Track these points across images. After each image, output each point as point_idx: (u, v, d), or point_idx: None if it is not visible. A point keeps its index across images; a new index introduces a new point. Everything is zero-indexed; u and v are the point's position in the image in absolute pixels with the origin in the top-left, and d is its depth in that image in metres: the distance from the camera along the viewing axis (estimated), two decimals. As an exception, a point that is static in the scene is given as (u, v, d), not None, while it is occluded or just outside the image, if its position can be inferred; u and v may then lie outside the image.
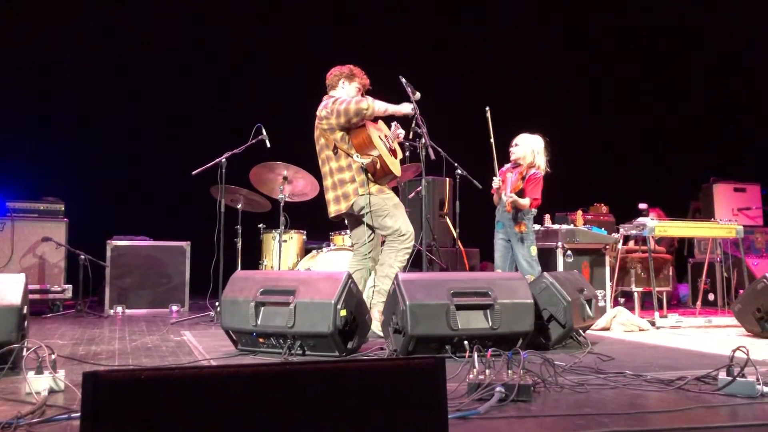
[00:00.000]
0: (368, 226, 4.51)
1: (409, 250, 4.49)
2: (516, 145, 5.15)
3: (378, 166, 4.41)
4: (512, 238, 5.04)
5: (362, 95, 4.57)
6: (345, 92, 4.56)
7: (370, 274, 4.62)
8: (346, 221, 4.75)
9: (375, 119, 4.56)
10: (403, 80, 4.57)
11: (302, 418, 1.24)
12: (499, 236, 5.16)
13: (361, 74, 4.63)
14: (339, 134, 4.41)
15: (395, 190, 5.83)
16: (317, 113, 4.50)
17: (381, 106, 4.40)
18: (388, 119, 4.64)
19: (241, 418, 1.19)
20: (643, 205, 7.07)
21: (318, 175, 4.79)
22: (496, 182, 5.08)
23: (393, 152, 4.61)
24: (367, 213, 4.42)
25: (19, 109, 8.02)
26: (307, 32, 9.09)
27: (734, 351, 2.64)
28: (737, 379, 2.58)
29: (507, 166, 5.19)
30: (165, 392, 1.14)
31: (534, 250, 5.00)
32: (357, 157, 4.35)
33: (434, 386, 1.34)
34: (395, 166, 4.55)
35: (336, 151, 4.44)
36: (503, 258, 5.12)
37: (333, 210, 4.56)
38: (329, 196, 4.57)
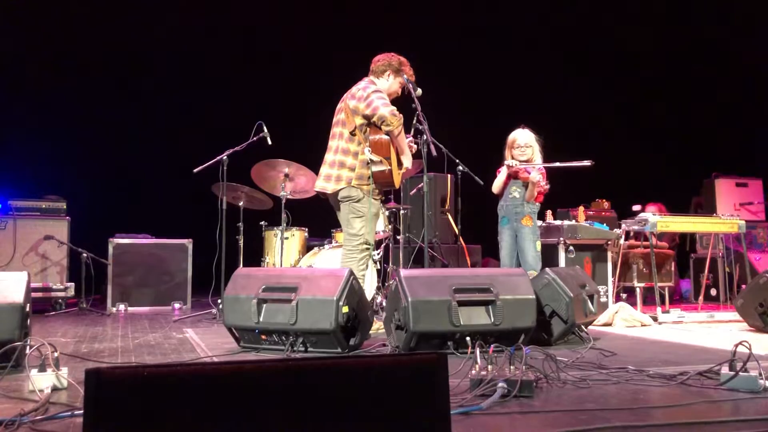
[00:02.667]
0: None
1: (367, 261, 4.48)
2: (528, 146, 5.10)
3: (386, 171, 4.36)
4: (518, 233, 5.03)
5: (405, 91, 4.57)
6: (387, 85, 4.54)
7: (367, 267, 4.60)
8: (330, 201, 4.66)
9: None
10: (405, 77, 4.56)
11: (305, 414, 1.24)
12: (505, 232, 5.14)
13: (408, 69, 4.59)
14: (359, 121, 4.35)
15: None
16: (352, 90, 4.46)
17: (402, 138, 4.41)
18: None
19: (244, 415, 1.19)
20: (636, 207, 7.07)
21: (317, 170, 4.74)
22: (513, 162, 5.05)
23: (399, 164, 4.58)
24: (347, 204, 4.40)
25: (21, 108, 8.02)
26: (307, 30, 9.07)
27: (736, 346, 2.64)
28: (740, 374, 2.58)
29: (514, 162, 5.12)
30: (168, 389, 1.14)
31: (539, 245, 5.01)
32: (369, 151, 4.31)
33: (436, 382, 1.34)
34: (397, 178, 4.52)
35: (353, 133, 4.39)
36: (510, 255, 5.10)
37: (319, 186, 4.53)
38: (323, 169, 4.53)
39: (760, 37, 9.12)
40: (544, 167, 5.09)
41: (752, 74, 9.38)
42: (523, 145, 5.10)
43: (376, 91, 4.37)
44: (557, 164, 5.05)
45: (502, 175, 5.17)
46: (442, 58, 9.07)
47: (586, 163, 4.93)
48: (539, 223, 5.79)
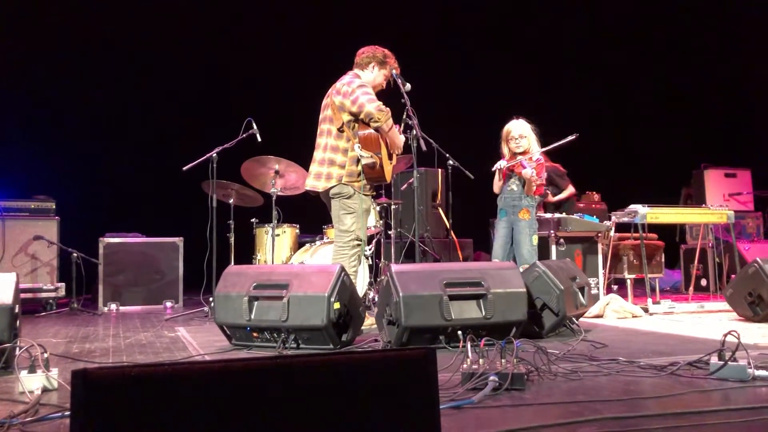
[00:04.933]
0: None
1: (359, 257, 4.47)
2: (523, 136, 5.01)
3: (377, 167, 4.32)
4: (515, 226, 4.99)
5: (389, 83, 4.56)
6: (372, 77, 4.50)
7: (360, 263, 4.60)
8: (321, 198, 4.64)
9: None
10: (394, 72, 4.55)
11: (294, 411, 1.24)
12: (501, 225, 5.09)
13: (392, 61, 4.56)
14: (347, 118, 4.32)
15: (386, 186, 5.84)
16: (337, 85, 4.42)
17: (393, 132, 4.40)
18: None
19: (232, 413, 1.18)
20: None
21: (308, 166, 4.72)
22: (500, 164, 5.02)
23: (390, 158, 4.56)
24: (337, 201, 4.39)
25: (9, 108, 7.95)
26: (297, 26, 9.04)
27: (725, 335, 2.65)
28: (729, 363, 2.60)
29: (503, 163, 5.08)
30: (155, 388, 1.14)
31: (535, 239, 4.96)
32: (359, 148, 4.28)
33: (425, 376, 1.34)
34: (388, 173, 4.50)
35: (342, 130, 4.36)
36: (503, 247, 5.05)
37: (309, 184, 4.51)
38: (313, 167, 4.51)
39: (751, 30, 9.17)
40: (535, 158, 5.03)
41: (743, 65, 9.43)
42: (518, 136, 5.02)
43: (361, 86, 4.33)
44: (546, 148, 5.02)
45: (496, 175, 5.13)
46: (432, 53, 9.07)
47: (571, 137, 4.89)
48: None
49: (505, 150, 5.11)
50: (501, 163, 5.03)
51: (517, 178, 5.02)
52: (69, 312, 6.01)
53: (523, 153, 5.00)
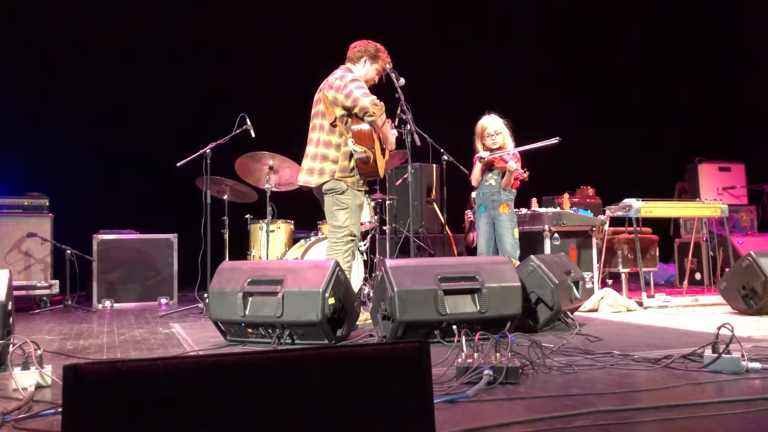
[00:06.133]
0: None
1: (353, 253, 4.46)
2: (498, 132, 5.01)
3: (370, 161, 4.31)
4: (496, 220, 5.01)
5: (380, 77, 4.55)
6: (364, 72, 4.48)
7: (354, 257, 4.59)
8: (314, 194, 4.63)
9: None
10: (388, 67, 4.54)
11: (288, 405, 1.23)
12: (482, 220, 5.11)
13: (384, 56, 4.54)
14: (340, 112, 4.31)
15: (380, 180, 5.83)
16: (329, 79, 4.40)
17: (386, 127, 4.38)
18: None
19: (226, 407, 1.18)
20: None
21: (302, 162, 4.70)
22: (485, 154, 5.00)
23: (383, 153, 4.55)
24: (330, 197, 4.38)
25: (2, 105, 7.91)
26: (292, 22, 9.01)
27: (719, 328, 2.66)
28: (722, 356, 2.61)
29: (487, 153, 5.08)
30: (147, 383, 1.13)
31: (516, 232, 4.98)
32: (352, 143, 4.26)
33: (419, 370, 1.34)
34: (382, 168, 4.49)
35: (334, 125, 4.35)
36: (487, 243, 5.07)
37: (302, 180, 4.50)
38: (305, 163, 4.50)
39: (747, 26, 9.18)
40: (518, 152, 5.04)
41: (737, 60, 9.44)
42: (493, 132, 5.01)
43: (354, 80, 4.32)
44: (527, 147, 5.01)
45: (477, 166, 5.13)
46: (428, 48, 9.05)
47: (554, 140, 4.87)
48: (524, 210, 5.81)
49: (479, 146, 5.10)
50: (485, 153, 5.02)
51: (495, 173, 5.02)
52: (63, 309, 6.00)
53: (499, 149, 5.01)
